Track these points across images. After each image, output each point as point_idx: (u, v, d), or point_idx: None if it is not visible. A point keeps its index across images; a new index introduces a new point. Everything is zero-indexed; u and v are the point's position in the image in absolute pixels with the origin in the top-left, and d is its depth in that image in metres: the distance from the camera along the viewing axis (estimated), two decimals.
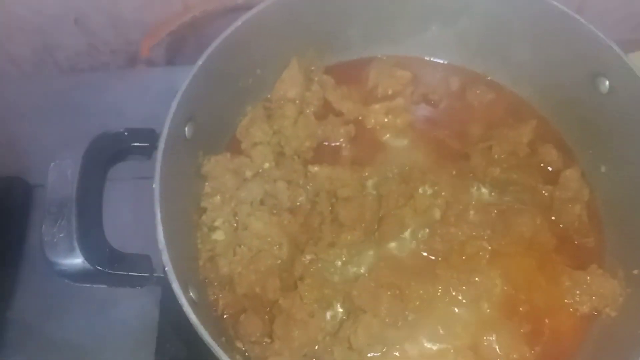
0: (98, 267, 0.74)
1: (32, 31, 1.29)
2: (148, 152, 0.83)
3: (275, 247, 0.91)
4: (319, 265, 0.90)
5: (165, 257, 0.73)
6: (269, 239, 0.90)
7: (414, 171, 0.97)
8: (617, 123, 0.93)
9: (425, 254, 0.93)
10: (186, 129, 0.87)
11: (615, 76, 0.90)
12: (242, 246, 0.90)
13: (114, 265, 0.75)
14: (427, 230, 0.93)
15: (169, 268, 0.72)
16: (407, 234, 0.94)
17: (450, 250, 0.92)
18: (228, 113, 1.01)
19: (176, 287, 0.71)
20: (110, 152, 0.81)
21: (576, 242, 0.95)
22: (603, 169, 0.98)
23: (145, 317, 0.99)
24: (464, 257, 0.92)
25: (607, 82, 0.91)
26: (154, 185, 0.76)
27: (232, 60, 0.94)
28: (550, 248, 0.94)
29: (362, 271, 0.91)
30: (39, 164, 0.84)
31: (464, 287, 0.90)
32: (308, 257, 0.90)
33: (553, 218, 0.96)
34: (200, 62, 0.86)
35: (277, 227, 0.92)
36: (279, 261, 0.90)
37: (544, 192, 0.98)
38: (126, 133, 0.82)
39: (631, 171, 0.92)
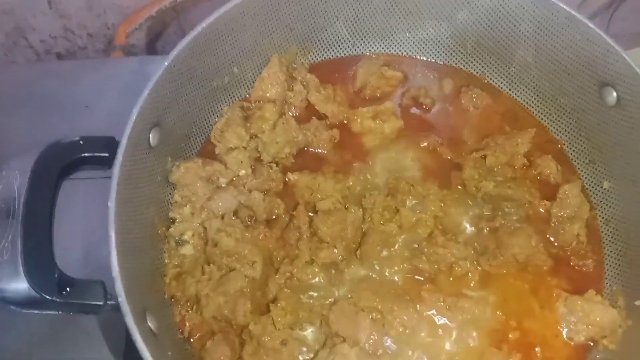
0: (45, 295, 0.66)
1: (3, 13, 1.21)
2: (107, 163, 0.75)
3: (247, 266, 0.83)
4: (295, 285, 0.83)
5: (119, 287, 0.65)
6: (241, 257, 0.83)
7: (401, 182, 0.90)
8: (624, 137, 0.85)
9: (410, 275, 0.86)
10: (150, 136, 0.79)
11: (625, 87, 0.82)
12: (211, 264, 0.83)
13: (63, 293, 0.68)
14: (413, 248, 0.86)
15: (122, 299, 0.65)
16: (391, 252, 0.86)
17: (437, 271, 0.86)
18: (201, 114, 0.92)
19: (129, 320, 0.64)
20: (64, 162, 0.74)
21: (573, 265, 0.89)
22: (606, 185, 0.91)
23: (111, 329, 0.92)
24: (451, 279, 0.86)
25: (614, 93, 0.84)
26: (109, 204, 0.69)
27: (206, 58, 0.86)
28: (545, 270, 0.88)
29: (341, 293, 0.84)
30: None
31: (450, 312, 0.83)
32: (283, 276, 0.83)
33: (549, 237, 0.89)
34: (167, 63, 0.78)
35: (250, 243, 0.84)
36: (251, 281, 0.83)
37: (540, 209, 0.91)
38: (82, 142, 0.74)
39: (637, 190, 0.85)
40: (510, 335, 0.83)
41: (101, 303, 0.69)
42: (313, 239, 0.86)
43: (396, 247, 0.87)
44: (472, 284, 0.86)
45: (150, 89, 0.75)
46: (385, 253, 0.86)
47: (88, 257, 0.71)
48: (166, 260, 0.85)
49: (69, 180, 0.76)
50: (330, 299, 0.84)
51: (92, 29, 1.29)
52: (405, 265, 0.86)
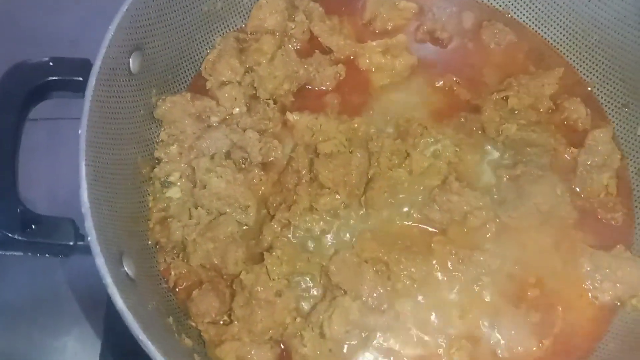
0: (6, 233, 0.58)
1: None
2: (81, 89, 0.65)
3: (239, 211, 0.75)
4: (292, 233, 0.75)
5: (89, 224, 0.57)
6: (233, 201, 0.75)
7: (412, 125, 0.81)
8: None
9: (420, 224, 0.77)
10: (130, 60, 0.70)
11: None
12: (199, 208, 0.75)
13: (27, 230, 0.59)
14: (424, 196, 0.78)
15: (92, 238, 0.57)
16: (399, 200, 0.78)
17: (450, 221, 0.77)
18: (190, 44, 0.83)
19: (100, 262, 0.56)
20: (30, 87, 0.65)
21: (600, 218, 0.80)
22: None
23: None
24: (465, 230, 0.77)
25: None
26: (79, 131, 0.60)
27: None
28: (570, 223, 0.79)
29: (343, 243, 0.76)
30: None
31: (463, 266, 0.75)
32: (279, 223, 0.75)
33: (575, 187, 0.81)
34: None
35: (244, 186, 0.76)
36: (244, 227, 0.75)
37: (566, 155, 0.82)
38: (51, 63, 0.65)
39: None
40: (529, 293, 0.76)
41: (71, 243, 0.61)
42: (313, 183, 0.78)
43: (405, 194, 0.78)
44: (488, 236, 0.77)
45: (130, 4, 0.66)
46: (392, 200, 0.78)
47: (58, 197, 0.63)
48: (150, 204, 0.77)
49: (37, 121, 0.67)
50: (330, 250, 0.75)
51: None
52: (414, 214, 0.78)
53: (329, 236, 0.76)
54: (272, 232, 0.75)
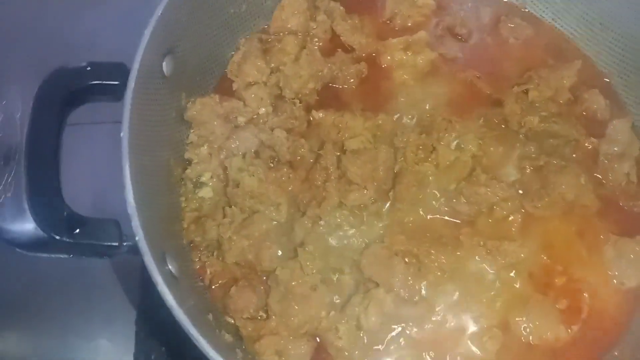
0: (54, 235, 0.60)
1: None
2: (117, 93, 0.67)
3: (272, 208, 0.77)
4: (323, 229, 0.77)
5: (136, 223, 0.59)
6: (265, 199, 0.76)
7: (437, 119, 0.82)
8: None
9: (447, 217, 0.79)
10: (164, 63, 0.72)
11: None
12: (232, 207, 0.76)
13: (74, 232, 0.61)
14: (451, 189, 0.79)
15: (139, 237, 0.58)
16: (427, 193, 0.79)
17: (478, 213, 0.79)
18: (217, 46, 0.84)
19: (149, 260, 0.58)
20: (69, 91, 0.66)
21: (623, 206, 0.82)
22: None
23: (125, 279, 0.86)
24: (492, 221, 0.79)
25: None
26: (122, 134, 0.62)
27: None
28: (593, 212, 0.81)
29: (373, 237, 0.77)
30: None
31: (491, 256, 0.77)
32: (310, 219, 0.77)
33: (597, 176, 0.82)
34: None
35: (274, 184, 0.78)
36: (276, 224, 0.77)
37: (587, 145, 0.83)
38: (89, 68, 0.67)
39: None
40: (556, 281, 0.77)
41: (116, 244, 0.63)
42: (341, 180, 0.79)
43: (432, 188, 0.80)
44: (514, 227, 0.79)
45: (164, 8, 0.67)
46: (420, 194, 0.79)
47: (100, 199, 0.64)
48: (183, 204, 0.78)
49: (76, 126, 0.69)
50: (361, 244, 0.77)
51: None
52: (442, 207, 0.79)
53: (359, 231, 0.78)
54: (304, 228, 0.76)
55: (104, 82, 0.67)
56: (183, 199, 0.79)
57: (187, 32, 0.75)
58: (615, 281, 0.78)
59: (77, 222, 0.62)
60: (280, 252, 0.75)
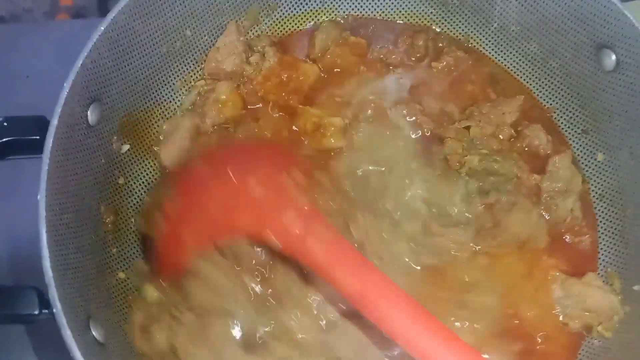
0: None
1: None
2: (38, 147, 0.63)
3: None
4: None
5: (53, 295, 0.55)
6: None
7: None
8: (622, 105, 0.77)
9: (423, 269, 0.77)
10: (89, 113, 0.68)
11: (625, 50, 0.73)
12: None
13: None
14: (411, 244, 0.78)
15: (57, 309, 0.55)
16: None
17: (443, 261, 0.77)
18: (150, 86, 0.81)
19: (67, 335, 0.54)
20: None
21: (569, 242, 0.81)
22: (600, 157, 0.83)
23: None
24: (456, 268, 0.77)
25: (613, 57, 0.75)
26: (39, 197, 0.58)
27: (151, 20, 0.75)
28: (542, 249, 0.80)
29: None
30: None
31: (461, 311, 0.75)
32: None
33: (542, 213, 0.81)
34: (102, 28, 0.66)
35: None
36: None
37: (531, 182, 0.83)
38: (5, 123, 0.63)
39: (634, 163, 0.78)
40: (510, 322, 0.76)
41: (36, 312, 0.59)
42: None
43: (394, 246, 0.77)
44: (477, 271, 0.78)
45: (84, 59, 0.64)
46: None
47: (17, 260, 0.60)
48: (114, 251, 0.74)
49: None
50: None
51: None
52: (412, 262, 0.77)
53: None
54: None
55: (22, 137, 0.63)
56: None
57: (115, 77, 0.72)
58: (561, 322, 0.77)
59: None
60: None
